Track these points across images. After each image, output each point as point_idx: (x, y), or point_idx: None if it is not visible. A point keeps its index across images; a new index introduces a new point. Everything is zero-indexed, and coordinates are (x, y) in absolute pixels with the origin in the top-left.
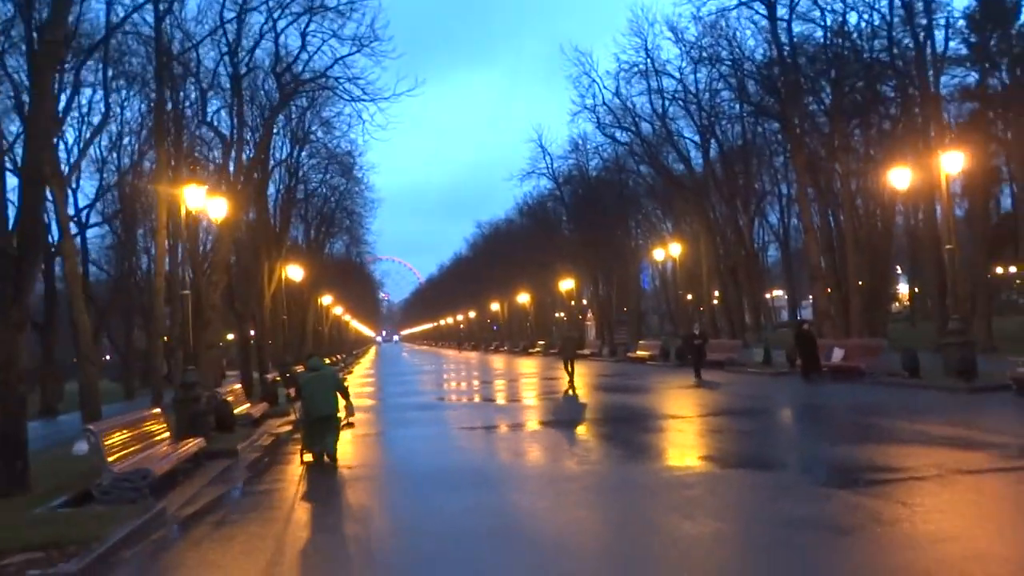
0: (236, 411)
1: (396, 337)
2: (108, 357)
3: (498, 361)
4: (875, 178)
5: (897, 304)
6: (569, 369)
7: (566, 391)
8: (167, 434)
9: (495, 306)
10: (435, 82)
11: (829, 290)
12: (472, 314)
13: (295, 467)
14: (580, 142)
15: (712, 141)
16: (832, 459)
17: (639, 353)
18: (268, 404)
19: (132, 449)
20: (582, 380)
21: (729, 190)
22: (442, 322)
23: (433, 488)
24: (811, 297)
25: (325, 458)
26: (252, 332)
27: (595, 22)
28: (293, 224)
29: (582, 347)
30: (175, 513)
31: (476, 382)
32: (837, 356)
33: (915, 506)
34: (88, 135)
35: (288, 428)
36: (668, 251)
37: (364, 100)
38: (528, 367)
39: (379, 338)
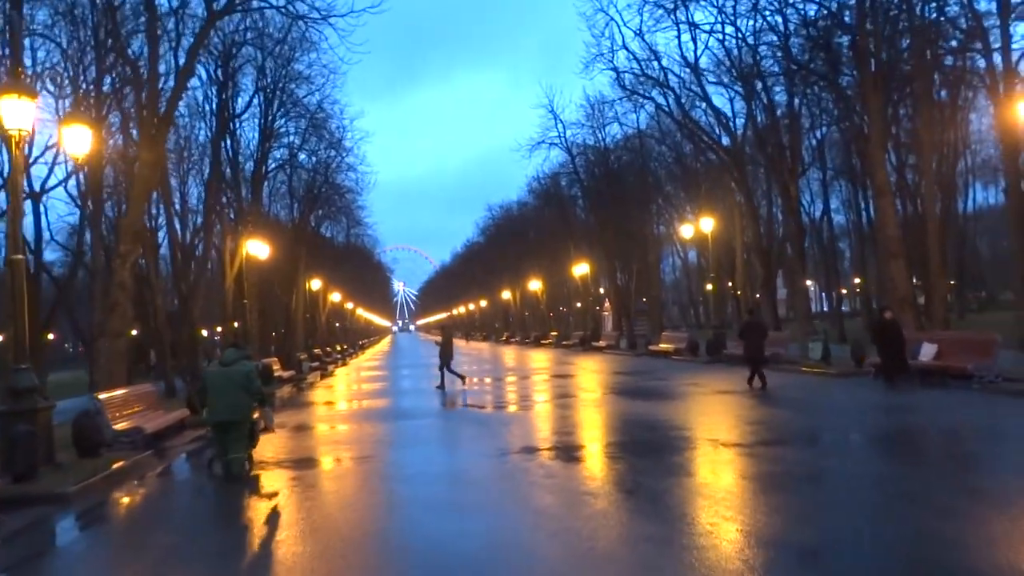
0: (121, 426)
1: (412, 327)
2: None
3: (509, 354)
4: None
5: None
6: (442, 366)
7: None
8: None
9: (507, 294)
10: (440, 81)
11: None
12: (484, 303)
13: (150, 530)
14: (595, 106)
15: (754, 94)
16: None
17: (662, 346)
18: (192, 411)
19: None
20: (596, 379)
21: (774, 150)
22: (455, 311)
23: None
24: (845, 286)
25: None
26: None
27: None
28: (282, 200)
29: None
30: None
31: (488, 379)
32: (927, 353)
33: None
34: None
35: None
36: (699, 227)
37: (313, 18)
38: (539, 361)
39: (395, 328)
